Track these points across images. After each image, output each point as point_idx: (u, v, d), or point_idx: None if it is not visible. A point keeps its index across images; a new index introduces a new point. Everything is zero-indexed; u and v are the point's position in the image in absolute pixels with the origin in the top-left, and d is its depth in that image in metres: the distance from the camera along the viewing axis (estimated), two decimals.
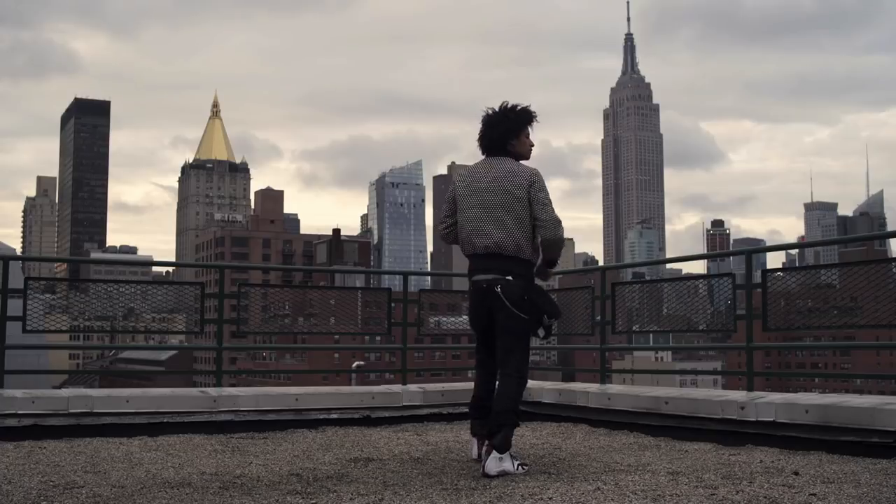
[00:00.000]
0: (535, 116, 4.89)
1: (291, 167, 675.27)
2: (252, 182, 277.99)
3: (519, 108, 4.91)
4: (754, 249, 7.48)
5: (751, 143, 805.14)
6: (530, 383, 8.01)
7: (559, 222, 4.72)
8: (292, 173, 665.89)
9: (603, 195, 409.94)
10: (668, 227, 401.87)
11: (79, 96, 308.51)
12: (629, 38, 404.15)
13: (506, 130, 4.86)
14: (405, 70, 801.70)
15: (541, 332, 4.80)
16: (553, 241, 4.75)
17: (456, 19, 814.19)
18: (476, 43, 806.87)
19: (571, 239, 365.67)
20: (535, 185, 4.75)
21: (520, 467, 4.55)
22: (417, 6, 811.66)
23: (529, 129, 4.90)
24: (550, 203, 4.74)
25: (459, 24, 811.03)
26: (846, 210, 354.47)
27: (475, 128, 4.95)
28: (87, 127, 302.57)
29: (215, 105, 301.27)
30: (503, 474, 4.42)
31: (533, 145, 4.93)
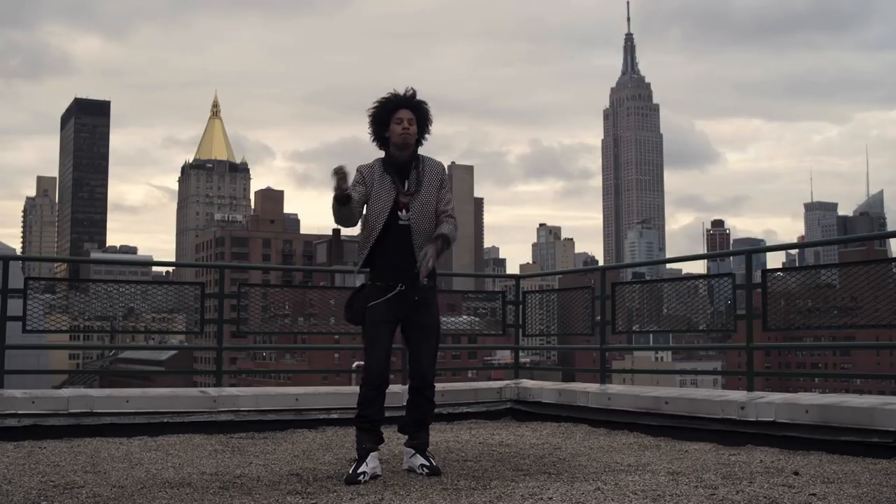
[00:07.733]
0: (386, 103, 4.56)
1: (288, 166, 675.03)
2: (252, 182, 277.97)
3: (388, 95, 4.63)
4: (754, 249, 7.48)
5: (759, 141, 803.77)
6: (530, 383, 8.02)
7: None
8: (289, 172, 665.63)
9: (603, 195, 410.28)
10: (665, 227, 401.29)
11: (79, 96, 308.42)
12: (629, 38, 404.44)
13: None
14: (412, 68, 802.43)
15: None
16: None
17: (461, 16, 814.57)
18: (483, 40, 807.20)
19: (571, 239, 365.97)
20: None
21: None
22: (422, 4, 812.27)
23: (398, 115, 4.55)
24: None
25: (465, 21, 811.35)
26: (846, 210, 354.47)
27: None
28: (87, 127, 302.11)
29: (215, 105, 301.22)
30: None
31: (402, 130, 4.55)
